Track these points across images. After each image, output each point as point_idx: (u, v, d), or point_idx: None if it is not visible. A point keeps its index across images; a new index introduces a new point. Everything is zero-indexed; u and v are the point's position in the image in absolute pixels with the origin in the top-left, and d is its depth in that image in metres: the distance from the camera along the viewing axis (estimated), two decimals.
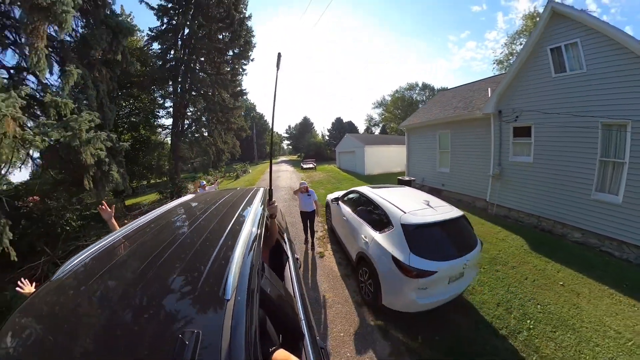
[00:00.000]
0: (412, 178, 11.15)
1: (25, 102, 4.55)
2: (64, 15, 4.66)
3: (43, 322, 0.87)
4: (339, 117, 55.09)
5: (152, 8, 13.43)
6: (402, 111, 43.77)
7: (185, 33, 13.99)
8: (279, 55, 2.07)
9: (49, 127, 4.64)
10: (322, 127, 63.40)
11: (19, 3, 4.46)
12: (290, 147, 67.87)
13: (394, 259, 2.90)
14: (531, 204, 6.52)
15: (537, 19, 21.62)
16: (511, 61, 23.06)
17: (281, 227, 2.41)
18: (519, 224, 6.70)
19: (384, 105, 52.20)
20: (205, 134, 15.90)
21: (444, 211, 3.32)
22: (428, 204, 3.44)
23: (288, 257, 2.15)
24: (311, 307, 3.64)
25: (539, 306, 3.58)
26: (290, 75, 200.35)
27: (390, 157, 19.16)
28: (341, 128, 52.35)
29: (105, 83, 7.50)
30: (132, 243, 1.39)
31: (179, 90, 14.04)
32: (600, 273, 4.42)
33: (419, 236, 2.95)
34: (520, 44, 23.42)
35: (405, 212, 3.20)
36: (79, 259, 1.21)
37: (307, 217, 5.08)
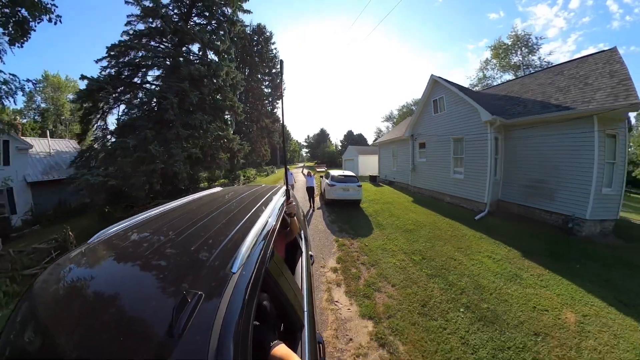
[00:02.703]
0: (378, 175, 15.81)
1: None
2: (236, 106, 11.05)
3: (73, 273, 0.97)
4: (350, 130, 59.81)
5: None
6: None
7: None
8: (282, 62, 2.07)
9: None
10: (335, 138, 68.16)
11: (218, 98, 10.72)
12: (308, 154, 73.71)
13: (328, 184, 8.45)
14: (427, 184, 10.92)
15: (500, 50, 25.03)
16: (484, 84, 26.51)
17: (298, 225, 2.24)
18: (422, 196, 11.05)
19: (392, 119, 55.07)
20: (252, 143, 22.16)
21: (347, 174, 8.69)
22: (343, 173, 8.92)
23: (302, 253, 2.05)
24: (311, 208, 8.96)
25: (395, 216, 8.03)
26: (305, 84, 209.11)
27: (376, 164, 23.51)
28: (351, 139, 56.75)
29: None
30: (164, 220, 1.50)
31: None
32: (444, 213, 8.05)
33: (335, 178, 8.46)
34: (492, 68, 26.85)
35: (334, 174, 8.71)
36: (115, 228, 1.33)
37: (309, 191, 9.07)
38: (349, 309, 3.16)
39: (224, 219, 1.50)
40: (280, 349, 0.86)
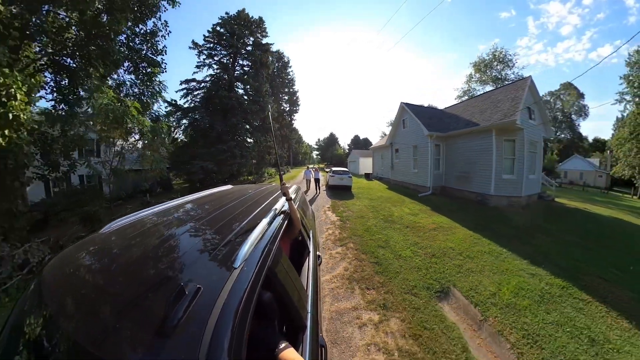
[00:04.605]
0: (371, 172, 20.32)
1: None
2: (275, 127, 15.87)
3: (80, 261, 1.01)
4: (357, 135, 64.28)
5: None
6: None
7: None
8: (269, 114, 3.01)
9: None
10: (344, 142, 72.40)
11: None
12: (318, 156, 78.63)
13: (330, 175, 13.42)
14: (400, 177, 15.29)
15: (481, 66, 28.56)
16: (470, 94, 29.98)
17: (306, 223, 2.29)
18: (396, 185, 15.40)
19: None
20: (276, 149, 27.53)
21: (343, 170, 13.52)
22: (340, 169, 13.80)
23: (309, 252, 2.01)
24: (319, 191, 14.07)
25: (370, 195, 12.52)
26: (317, 89, 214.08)
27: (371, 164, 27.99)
28: (357, 144, 61.23)
29: None
30: (175, 213, 1.55)
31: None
32: (401, 193, 12.78)
33: (335, 171, 13.46)
34: (477, 81, 30.38)
35: (334, 169, 13.58)
36: (127, 219, 1.40)
37: (316, 181, 13.97)
38: (332, 215, 7.93)
39: (232, 215, 1.51)
40: (289, 353, 0.84)
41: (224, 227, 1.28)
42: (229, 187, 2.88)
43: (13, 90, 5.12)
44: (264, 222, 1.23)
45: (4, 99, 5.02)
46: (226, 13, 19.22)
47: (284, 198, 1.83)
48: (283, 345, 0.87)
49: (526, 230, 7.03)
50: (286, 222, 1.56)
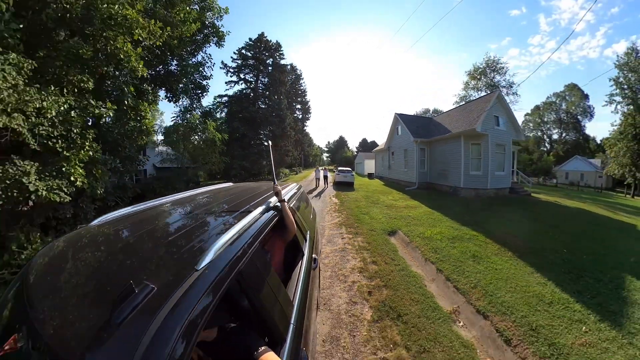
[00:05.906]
0: (373, 172, 23.38)
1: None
2: (292, 134, 19.64)
3: (73, 248, 1.11)
4: (365, 138, 67.11)
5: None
6: None
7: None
8: (269, 144, 2.55)
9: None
10: (352, 145, 75.23)
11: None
12: (328, 158, 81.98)
13: (336, 174, 16.96)
14: (395, 176, 18.29)
15: (476, 73, 30.69)
16: (467, 99, 31.95)
17: (302, 224, 2.12)
18: (391, 182, 18.36)
19: None
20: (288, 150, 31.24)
21: (347, 169, 17.05)
22: (346, 168, 17.41)
23: (303, 255, 1.84)
24: (327, 185, 17.99)
25: (367, 189, 15.65)
26: (328, 93, 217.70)
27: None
28: (365, 146, 64.06)
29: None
30: (158, 211, 1.53)
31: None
32: (392, 187, 15.83)
33: (340, 170, 17.03)
34: (472, 88, 32.40)
35: (340, 168, 17.24)
36: (113, 215, 1.46)
37: (325, 178, 17.58)
38: (335, 200, 11.29)
39: (214, 214, 1.46)
40: (268, 357, 0.83)
41: (202, 226, 1.27)
42: (229, 184, 2.89)
43: (143, 112, 8.84)
44: (245, 221, 1.17)
45: (139, 118, 8.74)
46: (249, 39, 23.19)
47: (275, 198, 1.71)
48: (262, 348, 0.87)
49: (477, 211, 9.69)
50: (272, 224, 1.45)
